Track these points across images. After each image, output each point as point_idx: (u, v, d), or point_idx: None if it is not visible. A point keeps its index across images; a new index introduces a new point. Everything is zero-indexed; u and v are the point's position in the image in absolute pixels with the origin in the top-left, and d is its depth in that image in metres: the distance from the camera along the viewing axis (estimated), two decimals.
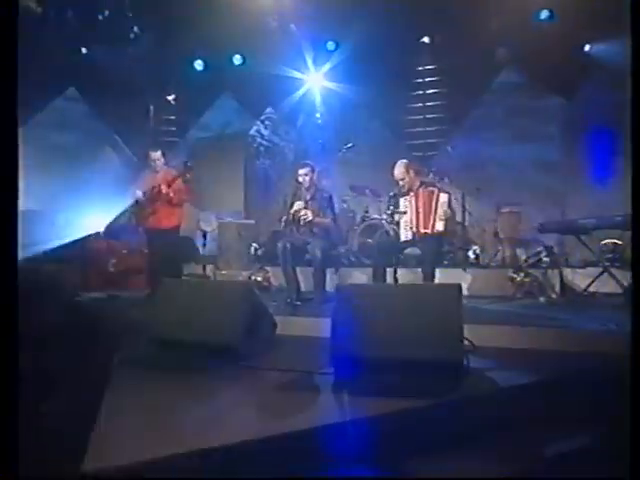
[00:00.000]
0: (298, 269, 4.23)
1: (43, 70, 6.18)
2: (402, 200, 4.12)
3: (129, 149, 7.45)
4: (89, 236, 6.01)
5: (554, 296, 4.50)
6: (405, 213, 4.04)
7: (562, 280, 4.59)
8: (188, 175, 4.70)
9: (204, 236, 5.69)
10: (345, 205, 5.57)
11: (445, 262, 5.27)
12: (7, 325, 1.59)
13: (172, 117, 7.75)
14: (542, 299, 4.42)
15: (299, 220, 4.17)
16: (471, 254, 5.36)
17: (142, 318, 3.10)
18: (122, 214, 5.62)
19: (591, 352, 2.68)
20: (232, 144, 7.39)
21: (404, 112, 7.22)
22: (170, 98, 7.60)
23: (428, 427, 2.04)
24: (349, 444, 1.82)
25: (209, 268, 5.49)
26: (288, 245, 4.09)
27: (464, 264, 5.19)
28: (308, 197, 4.36)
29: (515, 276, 4.68)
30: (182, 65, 7.49)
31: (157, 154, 4.84)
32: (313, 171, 4.37)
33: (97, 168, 6.91)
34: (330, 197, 4.42)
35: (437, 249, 4.00)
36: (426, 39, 7.13)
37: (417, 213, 4.03)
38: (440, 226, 3.98)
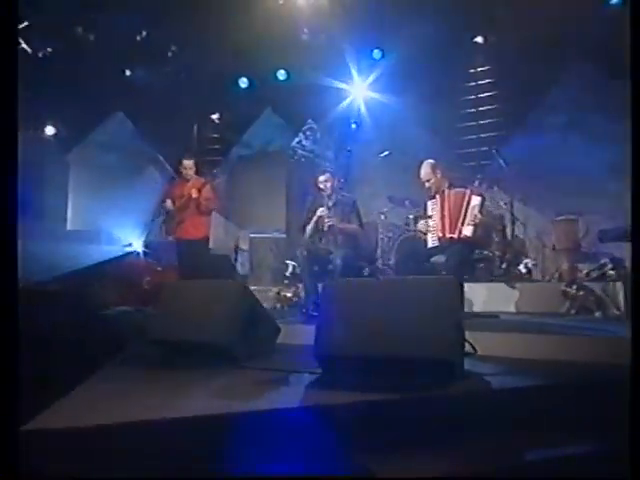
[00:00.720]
0: None
1: (91, 92, 7.03)
2: (430, 203, 4.20)
3: (172, 169, 8.09)
4: (129, 254, 6.60)
5: (617, 312, 4.33)
6: (430, 217, 4.11)
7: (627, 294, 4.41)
8: (217, 180, 5.12)
9: (236, 252, 6.03)
10: (383, 217, 5.69)
11: (492, 277, 5.22)
12: (7, 325, 1.82)
13: (216, 135, 8.35)
14: (597, 314, 4.27)
15: (322, 227, 4.37)
16: (522, 268, 5.26)
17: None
18: (154, 226, 6.12)
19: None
20: (274, 161, 7.82)
21: (455, 119, 7.27)
22: (214, 117, 8.21)
23: (405, 423, 2.11)
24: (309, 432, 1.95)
25: None
26: (305, 252, 4.28)
27: (514, 278, 5.10)
28: (330, 204, 4.56)
29: (568, 290, 4.56)
30: (226, 83, 8.10)
31: (190, 162, 5.31)
32: (334, 178, 4.59)
33: (140, 188, 7.60)
34: (354, 202, 4.59)
35: (463, 257, 3.98)
36: (479, 39, 7.20)
37: (442, 217, 4.08)
38: (468, 231, 3.99)
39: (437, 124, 7.14)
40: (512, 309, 4.78)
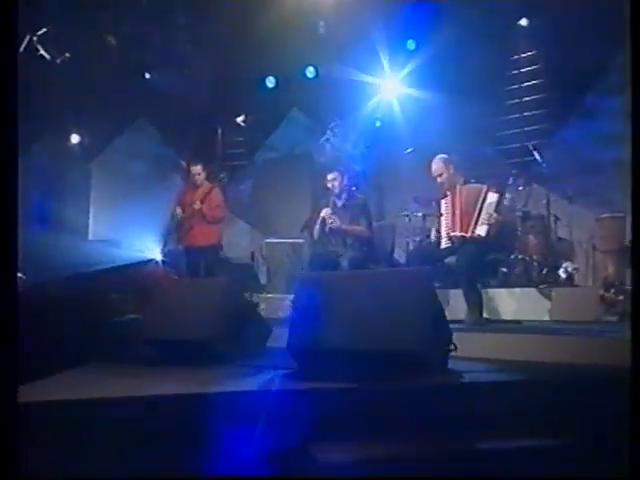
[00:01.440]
0: None
1: (112, 98, 7.52)
2: (443, 202, 4.25)
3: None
4: (148, 263, 6.97)
5: None
6: (441, 215, 4.16)
7: None
8: (219, 185, 5.35)
9: (252, 258, 6.25)
10: (407, 220, 5.76)
11: (529, 283, 5.15)
12: (7, 326, 1.98)
13: (240, 139, 8.67)
14: None
15: (328, 226, 4.50)
16: (562, 272, 5.16)
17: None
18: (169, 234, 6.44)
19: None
20: (300, 163, 8.05)
21: (496, 112, 7.22)
22: (239, 120, 8.53)
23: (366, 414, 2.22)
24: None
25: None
26: (308, 257, 4.44)
27: (551, 284, 5.03)
28: (340, 204, 4.69)
29: (607, 294, 4.46)
30: (252, 84, 8.43)
31: (198, 168, 5.58)
32: (343, 176, 4.70)
33: (163, 195, 8.01)
34: (364, 203, 4.69)
35: (475, 258, 3.97)
36: (523, 21, 7.15)
37: (454, 214, 4.12)
38: (482, 231, 4.00)
39: (474, 119, 7.11)
40: (545, 317, 4.72)
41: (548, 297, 4.82)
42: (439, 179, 4.27)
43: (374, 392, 2.32)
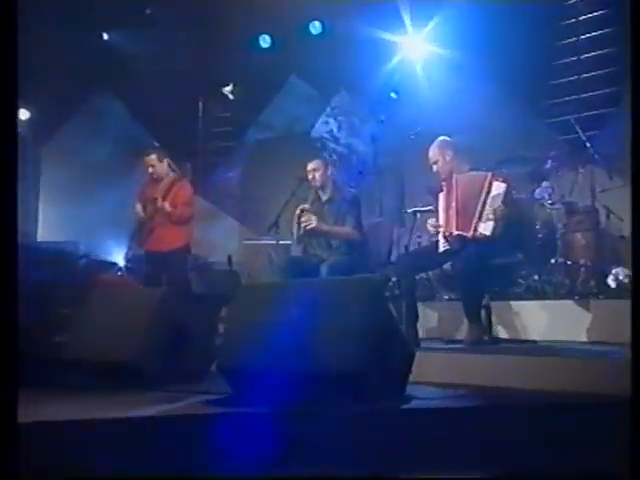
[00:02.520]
0: None
1: (63, 66, 7.91)
2: (440, 196, 4.57)
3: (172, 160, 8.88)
4: (109, 269, 7.44)
5: None
6: (432, 211, 4.48)
7: None
8: (183, 179, 5.72)
9: (229, 263, 6.67)
10: (418, 216, 6.08)
11: (569, 294, 5.37)
12: (7, 326, 2.35)
13: (227, 114, 9.12)
14: None
15: (302, 227, 4.82)
16: (611, 281, 5.39)
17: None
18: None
19: None
20: (301, 145, 8.38)
21: (546, 74, 7.39)
22: (226, 90, 8.92)
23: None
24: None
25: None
26: (280, 261, 4.80)
27: (596, 294, 5.25)
28: (324, 198, 5.05)
29: None
30: (242, 44, 8.76)
31: (152, 158, 5.89)
32: (327, 166, 5.04)
33: (132, 188, 8.43)
34: (354, 198, 5.02)
35: (476, 263, 4.19)
36: None
37: (448, 208, 4.41)
38: (486, 229, 4.26)
39: (518, 84, 7.30)
40: (582, 337, 4.92)
41: (586, 311, 5.00)
42: (434, 167, 4.59)
43: (309, 418, 2.69)
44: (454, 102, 7.28)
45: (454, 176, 4.49)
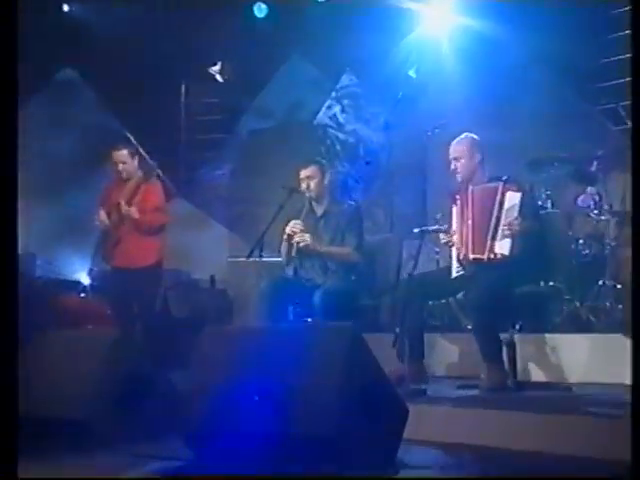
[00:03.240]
0: None
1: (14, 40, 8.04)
2: (454, 209, 4.66)
3: (149, 155, 8.89)
4: (71, 288, 7.57)
5: None
6: (443, 232, 4.57)
7: None
8: (152, 179, 5.80)
9: (212, 284, 6.77)
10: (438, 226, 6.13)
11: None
12: (7, 329, 2.70)
13: (215, 100, 9.17)
14: None
15: (294, 247, 4.90)
16: None
17: None
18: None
19: None
20: (303, 137, 8.50)
21: (597, 51, 7.40)
22: (214, 70, 8.95)
23: None
24: None
25: None
26: (267, 286, 4.89)
27: None
28: (320, 212, 5.13)
29: None
30: (233, 14, 8.77)
31: (122, 154, 5.98)
32: (323, 173, 5.12)
33: (98, 189, 8.52)
34: (354, 212, 5.13)
35: (497, 292, 4.27)
36: None
37: (462, 225, 4.50)
38: (503, 247, 4.32)
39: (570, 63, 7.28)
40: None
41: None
42: (455, 164, 4.65)
43: None
44: (486, 84, 7.29)
45: (470, 187, 4.56)
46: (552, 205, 5.89)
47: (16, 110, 2.81)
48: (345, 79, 8.74)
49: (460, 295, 4.62)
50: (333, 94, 8.73)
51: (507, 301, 4.39)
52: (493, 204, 4.46)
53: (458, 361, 5.47)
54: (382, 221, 7.71)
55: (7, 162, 2.76)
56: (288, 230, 4.99)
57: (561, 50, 7.18)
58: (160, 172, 5.96)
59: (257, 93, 9.18)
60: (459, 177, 4.67)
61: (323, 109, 8.72)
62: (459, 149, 4.71)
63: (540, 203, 5.74)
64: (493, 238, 4.41)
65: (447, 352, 5.54)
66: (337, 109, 8.71)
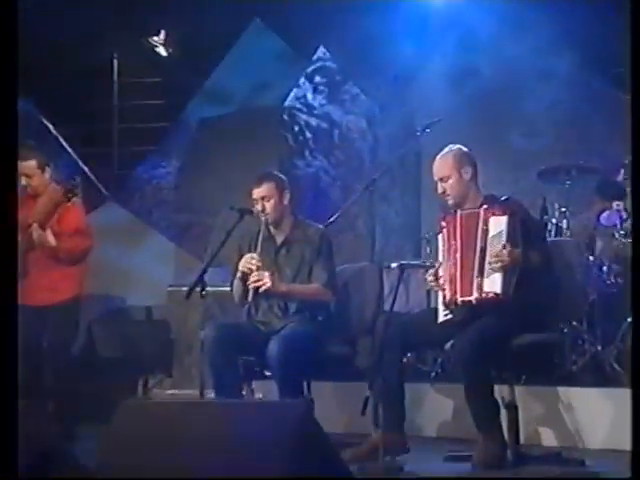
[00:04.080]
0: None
1: None
2: (440, 238, 4.74)
3: (73, 150, 8.89)
4: None
5: None
6: (426, 267, 4.67)
7: None
8: (71, 197, 5.81)
9: (149, 319, 6.87)
10: (428, 250, 6.26)
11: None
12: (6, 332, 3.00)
13: (157, 79, 9.23)
14: None
15: (251, 290, 4.94)
16: None
17: None
18: None
19: None
20: (266, 127, 8.58)
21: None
22: (156, 41, 8.96)
23: None
24: None
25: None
26: (211, 334, 4.98)
27: None
28: (279, 240, 5.20)
29: None
30: None
31: (30, 164, 5.88)
32: (282, 191, 5.17)
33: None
34: (320, 238, 5.18)
35: (492, 339, 4.35)
36: None
37: (450, 259, 4.58)
38: (493, 285, 4.38)
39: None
40: None
41: None
42: (441, 185, 4.71)
43: None
44: (490, 72, 7.41)
45: (458, 213, 4.68)
46: (567, 224, 5.96)
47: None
48: (319, 52, 8.76)
49: (448, 345, 4.68)
50: (304, 71, 8.73)
51: (504, 351, 4.46)
52: (475, 232, 4.54)
53: (451, 419, 5.57)
54: (362, 237, 7.70)
55: None
56: (242, 267, 5.05)
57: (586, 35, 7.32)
58: (80, 191, 5.76)
59: (210, 71, 9.22)
60: (450, 200, 4.75)
61: (292, 91, 8.71)
62: (444, 167, 4.76)
63: (554, 221, 5.85)
64: (480, 274, 4.47)
65: (438, 407, 5.67)
66: (308, 89, 8.74)
